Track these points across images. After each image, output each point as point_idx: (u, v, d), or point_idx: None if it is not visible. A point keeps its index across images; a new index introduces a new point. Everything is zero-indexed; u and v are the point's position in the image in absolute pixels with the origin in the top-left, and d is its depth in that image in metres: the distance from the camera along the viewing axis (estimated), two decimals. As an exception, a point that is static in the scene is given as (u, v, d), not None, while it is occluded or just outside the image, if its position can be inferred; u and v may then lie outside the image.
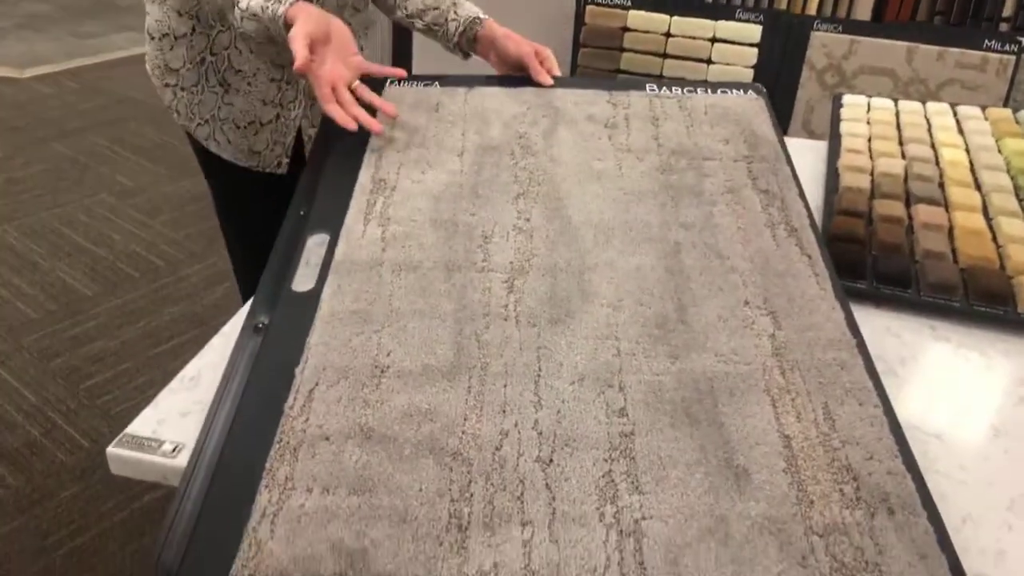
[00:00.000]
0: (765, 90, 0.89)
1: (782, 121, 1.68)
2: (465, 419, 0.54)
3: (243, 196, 1.16)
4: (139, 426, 0.59)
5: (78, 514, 1.33)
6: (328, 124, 0.87)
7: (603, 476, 0.51)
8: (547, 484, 0.50)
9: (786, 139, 1.02)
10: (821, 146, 1.00)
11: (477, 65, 0.99)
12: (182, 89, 1.01)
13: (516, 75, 0.92)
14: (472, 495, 0.50)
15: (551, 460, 0.52)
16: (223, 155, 1.05)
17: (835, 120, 1.03)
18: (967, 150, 0.94)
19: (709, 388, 0.57)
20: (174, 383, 0.64)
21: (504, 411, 0.55)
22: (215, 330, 0.69)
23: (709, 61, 1.66)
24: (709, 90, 0.89)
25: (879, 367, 0.64)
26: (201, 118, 1.03)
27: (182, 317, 1.85)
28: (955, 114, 1.03)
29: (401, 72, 0.87)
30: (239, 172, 1.08)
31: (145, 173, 2.59)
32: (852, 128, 0.99)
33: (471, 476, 0.51)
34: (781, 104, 1.66)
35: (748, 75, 1.63)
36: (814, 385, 0.57)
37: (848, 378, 0.57)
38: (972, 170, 0.90)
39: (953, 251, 0.76)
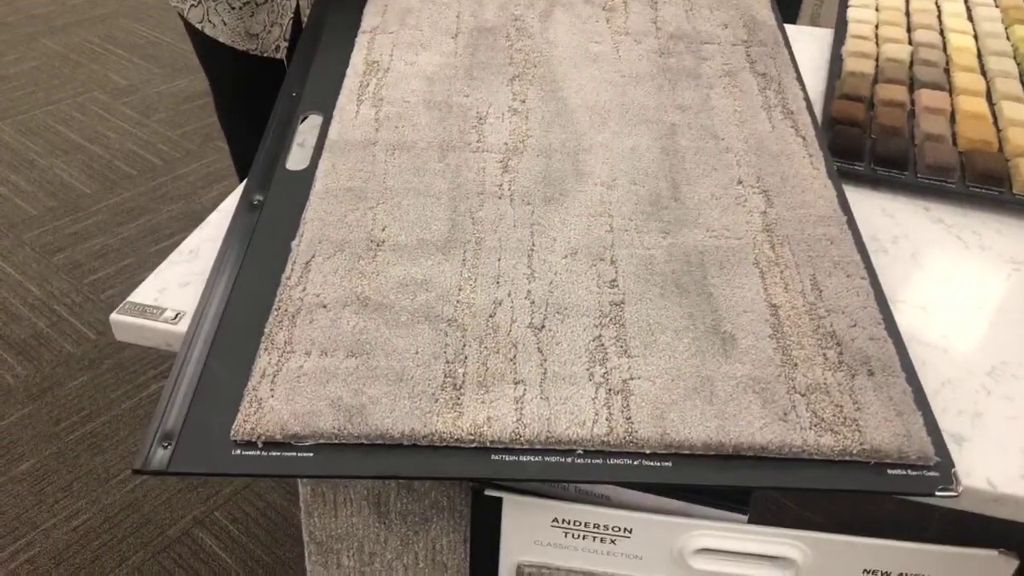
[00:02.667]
0: (769, -30, 0.86)
1: (790, 15, 1.63)
2: (460, 289, 0.55)
3: (243, 85, 1.15)
4: (141, 295, 0.61)
5: (88, 401, 1.37)
6: (320, 6, 0.85)
7: (593, 340, 0.52)
8: (539, 348, 0.52)
9: (792, 28, 1.00)
10: (826, 34, 0.98)
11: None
12: None
13: None
14: (467, 357, 0.51)
15: (543, 326, 0.53)
16: (220, 38, 1.04)
17: (842, 7, 1.00)
18: (975, 36, 0.92)
19: (700, 261, 0.57)
20: (173, 255, 0.65)
21: (498, 282, 0.56)
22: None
23: (716, -49, 1.60)
24: (712, -30, 0.86)
25: (872, 246, 0.65)
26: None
27: (181, 215, 1.85)
28: (965, 1, 1.00)
29: None
30: (238, 58, 1.06)
31: (138, 71, 2.54)
32: (859, 15, 0.96)
33: (465, 340, 0.52)
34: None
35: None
36: (803, 258, 0.58)
37: (837, 252, 0.58)
38: (979, 56, 0.88)
39: (953, 134, 0.75)
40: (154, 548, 1.15)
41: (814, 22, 1.60)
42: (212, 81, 1.19)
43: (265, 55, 1.06)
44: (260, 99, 1.13)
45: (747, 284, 0.56)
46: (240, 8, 1.01)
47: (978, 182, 0.69)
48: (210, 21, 1.02)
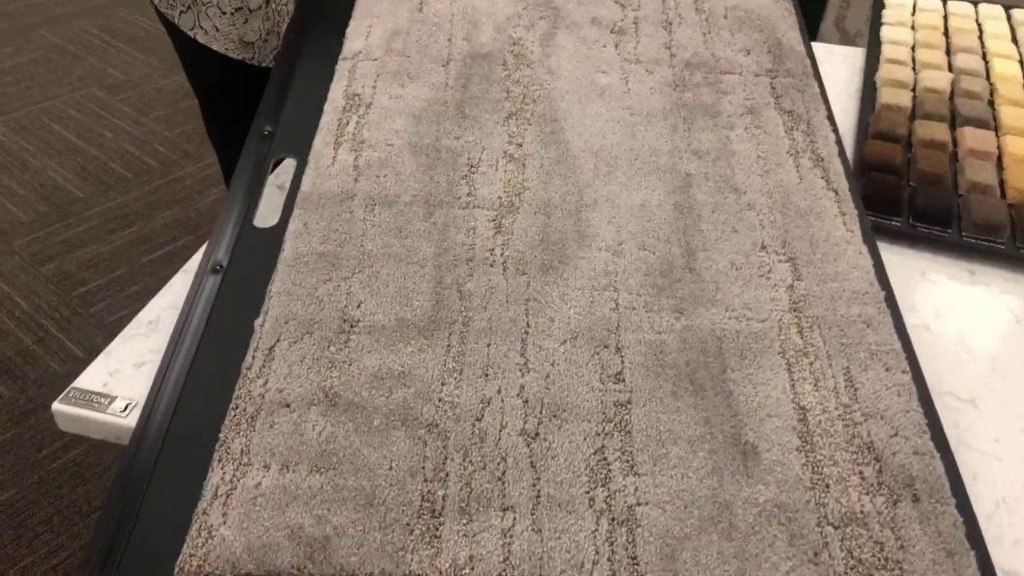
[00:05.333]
0: (796, -10, 0.78)
1: (815, 17, 1.54)
2: (443, 384, 0.49)
3: (240, 101, 1.07)
4: (89, 378, 0.54)
5: (72, 427, 1.32)
6: (296, 25, 0.78)
7: (594, 453, 0.45)
8: (532, 462, 0.45)
9: (818, 45, 0.92)
10: (857, 55, 0.90)
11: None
12: None
13: None
14: (447, 475, 0.44)
15: (537, 434, 0.46)
16: (213, 46, 0.96)
17: (875, 24, 0.92)
18: (1020, 62, 0.84)
19: (717, 349, 0.50)
20: (131, 327, 0.58)
21: (487, 375, 0.49)
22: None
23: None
24: (732, -10, 0.78)
25: (911, 320, 0.57)
26: (183, 4, 0.94)
27: (176, 222, 1.79)
28: (1009, 19, 0.92)
29: None
30: (231, 68, 0.99)
31: (137, 65, 2.47)
32: (894, 34, 0.88)
33: (447, 452, 0.45)
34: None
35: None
36: (835, 346, 0.50)
37: (874, 338, 0.51)
38: (1026, 84, 0.80)
39: (1001, 183, 0.67)
40: (137, 590, 1.10)
41: (838, 25, 1.51)
42: (203, 98, 1.12)
43: (263, 65, 0.99)
44: (254, 105, 1.06)
45: (772, 380, 0.49)
46: (232, 14, 0.93)
47: (1031, 242, 0.62)
48: (202, 27, 0.95)
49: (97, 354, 0.55)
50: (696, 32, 0.74)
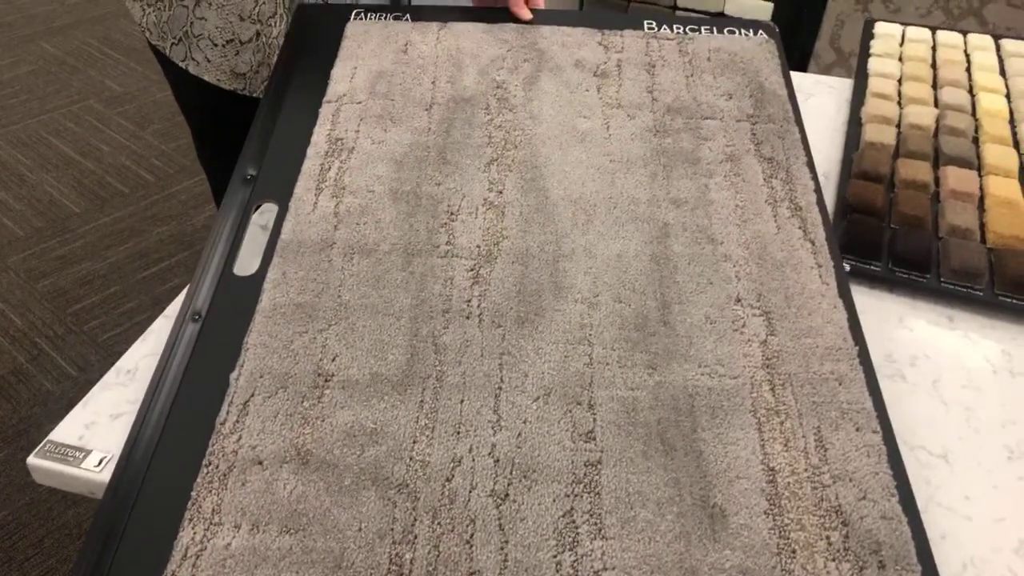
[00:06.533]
0: (778, 30, 0.78)
1: (810, 36, 1.54)
2: (414, 442, 0.49)
3: (229, 125, 1.08)
4: (65, 431, 0.54)
5: (65, 449, 1.32)
6: (283, 63, 0.78)
7: (563, 516, 0.45)
8: (500, 525, 0.45)
9: (806, 76, 0.92)
10: (845, 86, 0.90)
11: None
12: (149, 5, 0.92)
13: (497, 5, 0.81)
14: (416, 537, 0.45)
15: (507, 495, 0.46)
16: (206, 77, 0.97)
17: (863, 54, 0.92)
18: (1008, 96, 0.84)
19: (689, 407, 0.50)
20: (109, 376, 0.58)
21: (458, 432, 0.49)
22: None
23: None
24: (715, 30, 0.78)
25: (887, 369, 0.58)
26: (174, 36, 0.94)
27: (171, 238, 1.79)
28: (998, 49, 0.92)
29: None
30: (223, 98, 0.99)
31: (135, 77, 2.48)
32: (881, 66, 0.88)
33: (416, 514, 0.46)
34: (810, 17, 1.52)
35: (771, -15, 1.48)
36: (807, 405, 0.51)
37: (846, 396, 0.51)
38: (1012, 122, 0.80)
39: (982, 226, 0.67)
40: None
41: (833, 44, 1.51)
42: (195, 126, 1.12)
43: (254, 95, 0.99)
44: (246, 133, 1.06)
45: (742, 440, 0.49)
46: (224, 46, 0.94)
47: (1008, 290, 0.62)
48: (193, 59, 0.95)
49: (91, 373, 0.55)
50: (679, 75, 0.74)
